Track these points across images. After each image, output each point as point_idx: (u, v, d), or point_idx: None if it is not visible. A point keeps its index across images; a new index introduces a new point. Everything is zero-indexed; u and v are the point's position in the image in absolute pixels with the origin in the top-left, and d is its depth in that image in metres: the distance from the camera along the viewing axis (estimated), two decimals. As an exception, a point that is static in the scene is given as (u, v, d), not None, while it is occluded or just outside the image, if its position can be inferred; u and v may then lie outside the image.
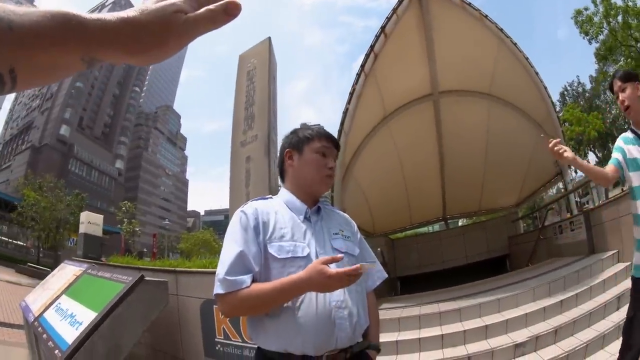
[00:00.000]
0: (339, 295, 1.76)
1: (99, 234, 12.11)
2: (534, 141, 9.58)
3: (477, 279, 8.06)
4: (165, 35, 0.57)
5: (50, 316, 5.26)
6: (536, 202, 15.80)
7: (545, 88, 9.24)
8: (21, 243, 40.72)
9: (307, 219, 1.90)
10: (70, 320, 4.61)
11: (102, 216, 12.94)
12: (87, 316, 4.42)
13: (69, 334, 4.28)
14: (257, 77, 10.42)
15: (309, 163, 1.93)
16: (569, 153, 2.44)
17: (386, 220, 12.52)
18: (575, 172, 10.87)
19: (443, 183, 12.00)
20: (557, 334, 4.49)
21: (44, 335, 4.80)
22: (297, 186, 1.97)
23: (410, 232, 14.40)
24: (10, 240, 40.39)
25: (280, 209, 1.91)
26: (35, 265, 26.51)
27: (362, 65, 8.60)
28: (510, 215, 12.62)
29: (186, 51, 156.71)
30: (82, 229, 11.68)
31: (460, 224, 18.36)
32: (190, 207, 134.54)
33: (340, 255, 1.66)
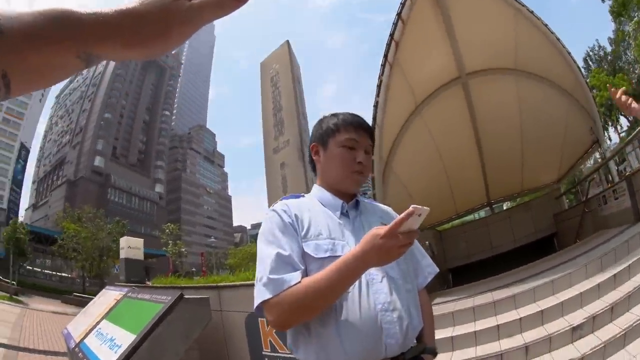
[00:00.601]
0: (385, 296, 1.53)
1: (140, 257, 12.18)
2: (566, 112, 9.31)
3: (527, 262, 7.78)
4: (167, 24, 0.54)
5: (91, 341, 5.27)
6: (576, 175, 15.14)
7: (569, 53, 8.83)
8: (65, 274, 42.12)
9: (344, 214, 1.70)
10: (110, 344, 4.60)
11: (142, 240, 13.01)
12: (126, 339, 4.38)
13: (108, 358, 4.26)
14: (281, 81, 10.38)
15: (334, 158, 1.72)
16: (635, 104, 2.14)
17: (432, 213, 11.63)
18: (610, 139, 10.42)
19: (483, 167, 11.61)
20: (613, 312, 4.23)
21: (80, 355, 4.87)
22: (327, 184, 1.77)
23: (457, 221, 13.95)
24: (54, 272, 41.80)
25: (313, 206, 1.71)
26: (80, 294, 27.11)
27: (385, 55, 8.37)
28: (553, 192, 12.22)
29: (210, 70, 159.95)
30: (123, 254, 11.80)
31: (505, 207, 17.77)
32: (236, 223, 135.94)
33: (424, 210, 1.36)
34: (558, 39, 8.64)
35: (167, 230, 59.11)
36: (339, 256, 1.44)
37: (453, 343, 4.70)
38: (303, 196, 1.80)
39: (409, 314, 1.58)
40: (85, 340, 5.42)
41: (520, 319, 4.57)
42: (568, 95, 9.29)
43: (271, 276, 1.44)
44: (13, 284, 26.38)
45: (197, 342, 4.70)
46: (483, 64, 9.51)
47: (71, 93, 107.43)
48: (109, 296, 7.27)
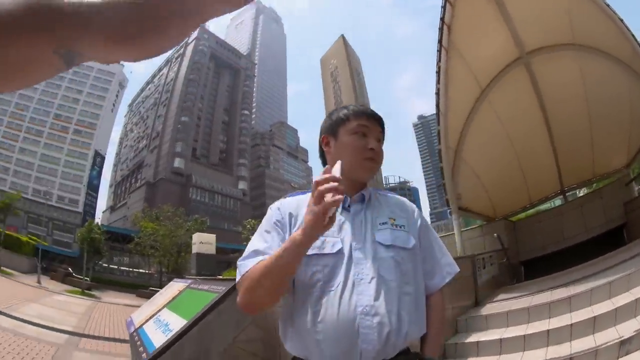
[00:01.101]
0: (369, 299, 1.46)
1: (212, 252, 12.72)
2: (629, 87, 8.52)
3: (597, 255, 7.29)
4: (164, 18, 0.46)
5: (149, 327, 5.40)
6: None
7: (622, 20, 8.00)
8: (143, 270, 44.33)
9: (345, 209, 1.64)
10: (164, 329, 4.70)
11: (214, 235, 13.63)
12: (178, 324, 4.48)
13: (159, 340, 4.36)
14: (340, 75, 10.33)
15: (345, 146, 1.67)
16: None
17: (506, 202, 11.64)
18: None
19: (555, 152, 10.89)
20: None
21: (138, 343, 4.96)
22: None
23: (531, 211, 13.19)
24: (131, 269, 44.12)
25: None
26: (155, 288, 28.47)
27: (439, 41, 8.20)
28: (623, 178, 11.20)
29: (286, 68, 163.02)
30: (195, 249, 12.43)
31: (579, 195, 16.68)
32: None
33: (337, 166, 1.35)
34: (608, 5, 7.90)
35: (247, 226, 60.62)
36: (327, 254, 1.47)
37: (501, 346, 4.47)
38: (310, 192, 1.61)
39: (398, 319, 1.49)
40: (144, 326, 5.55)
41: (571, 325, 4.21)
42: (627, 68, 8.46)
43: (239, 261, 1.52)
44: (86, 280, 27.84)
45: (246, 331, 4.77)
46: (542, 40, 8.95)
47: (144, 101, 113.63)
48: (174, 287, 7.46)
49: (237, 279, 1.50)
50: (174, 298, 6.44)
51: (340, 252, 1.51)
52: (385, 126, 1.77)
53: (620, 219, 10.10)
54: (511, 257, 9.57)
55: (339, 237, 1.54)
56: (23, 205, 56.16)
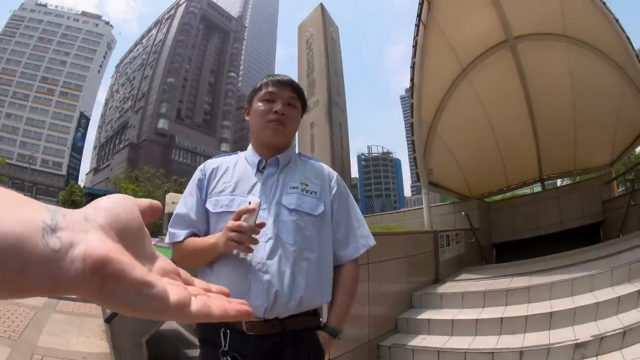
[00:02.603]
0: (261, 256, 1.58)
1: (183, 212, 12.59)
2: (620, 88, 8.41)
3: (572, 249, 7.22)
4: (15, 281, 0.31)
5: None
6: (630, 159, 13.81)
7: (617, 21, 7.73)
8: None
9: (260, 171, 1.78)
10: None
11: None
12: None
13: None
14: (315, 43, 10.22)
15: (254, 113, 1.81)
16: None
17: (482, 183, 11.55)
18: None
19: (537, 140, 10.77)
20: (624, 337, 3.56)
21: None
22: (253, 140, 1.87)
23: (507, 194, 13.14)
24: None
25: (239, 162, 1.83)
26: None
27: (418, 15, 7.94)
28: (605, 177, 11.16)
29: (276, 32, 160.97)
30: (167, 209, 12.23)
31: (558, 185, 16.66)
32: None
33: (252, 206, 1.46)
34: (603, 3, 7.67)
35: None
36: (233, 212, 1.53)
37: (477, 327, 4.39)
38: (237, 154, 1.91)
39: (291, 281, 1.57)
40: None
41: (527, 316, 4.14)
42: (620, 70, 8.31)
43: (170, 229, 1.75)
44: None
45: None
46: (531, 27, 8.73)
47: (131, 62, 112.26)
48: None
49: (168, 241, 1.75)
50: None
51: None
52: (309, 98, 1.86)
53: (598, 217, 10.18)
54: (483, 238, 9.59)
55: (247, 197, 1.63)
56: (8, 171, 55.78)
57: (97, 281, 0.34)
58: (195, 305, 0.41)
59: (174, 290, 0.40)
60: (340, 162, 8.14)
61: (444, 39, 8.41)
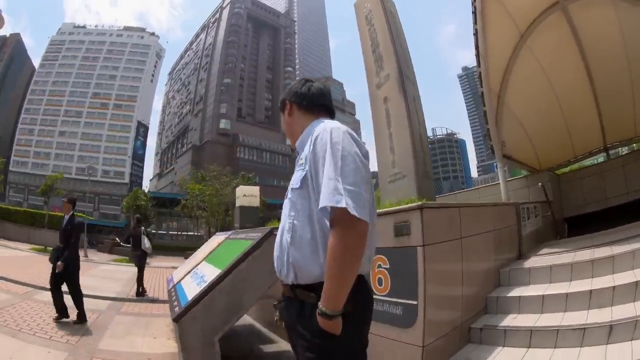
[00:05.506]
0: (279, 234, 1.82)
1: (255, 204, 12.85)
2: None
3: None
4: None
5: (185, 282, 5.44)
6: None
7: None
8: (191, 233, 44.81)
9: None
10: (199, 281, 4.72)
11: (257, 188, 13.94)
12: (213, 275, 4.47)
13: (193, 292, 4.32)
14: (375, 18, 10.04)
15: None
16: None
17: (550, 154, 11.21)
18: None
19: (597, 103, 10.15)
20: None
21: (174, 298, 4.96)
22: None
23: (575, 166, 12.43)
24: (180, 232, 44.83)
25: None
26: (203, 248, 28.91)
27: (472, -21, 7.80)
28: None
29: (326, 22, 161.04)
30: (238, 202, 12.58)
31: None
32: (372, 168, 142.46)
33: None
34: None
35: (293, 180, 60.83)
36: None
37: (543, 304, 4.29)
38: None
39: (281, 249, 1.76)
40: (182, 281, 5.61)
41: (614, 287, 3.96)
42: None
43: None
44: (129, 247, 28.36)
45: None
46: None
47: (184, 67, 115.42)
48: (214, 241, 7.54)
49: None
50: (212, 251, 6.56)
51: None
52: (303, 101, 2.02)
53: None
54: (555, 211, 9.24)
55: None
56: (67, 185, 58.08)
57: None
58: None
59: None
60: (419, 138, 8.01)
61: (501, 6, 8.19)
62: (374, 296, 3.32)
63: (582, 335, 3.56)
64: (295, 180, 1.73)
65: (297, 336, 1.67)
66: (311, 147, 1.69)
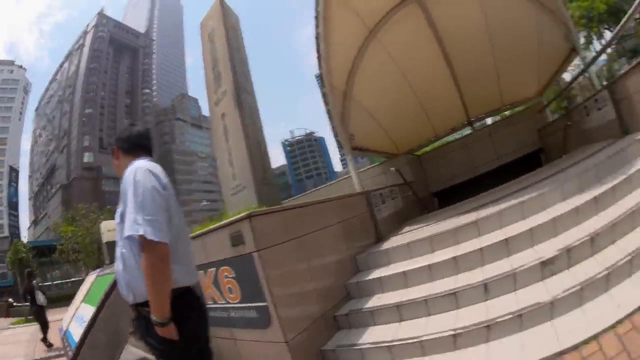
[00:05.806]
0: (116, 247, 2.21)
1: (121, 237, 12.22)
2: (536, 18, 8.55)
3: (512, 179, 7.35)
4: None
5: (72, 327, 5.70)
6: (559, 86, 14.46)
7: None
8: (75, 279, 42.11)
9: None
10: (80, 322, 5.11)
11: None
12: (89, 314, 4.80)
13: (78, 334, 4.69)
14: (217, 35, 10.12)
15: None
16: None
17: (409, 138, 11.76)
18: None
19: (457, 85, 10.85)
20: (593, 243, 3.52)
21: (66, 344, 5.37)
22: None
23: (437, 143, 13.48)
24: (64, 280, 41.91)
25: None
26: (89, 292, 27.23)
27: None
28: (536, 106, 11.63)
29: (183, 38, 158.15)
30: (104, 238, 12.07)
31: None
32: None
33: None
34: None
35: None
36: None
37: (407, 279, 4.36)
38: None
39: (118, 271, 2.13)
40: (69, 328, 5.86)
41: (481, 249, 4.03)
42: (537, 4, 8.35)
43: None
44: (27, 306, 26.46)
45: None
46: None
47: (49, 101, 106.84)
48: (88, 281, 7.66)
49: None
50: (87, 291, 6.78)
51: None
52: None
53: (535, 145, 10.57)
54: (420, 190, 9.75)
55: None
56: None
57: None
58: None
59: None
60: (257, 145, 8.22)
61: (346, 7, 8.32)
62: (230, 305, 4.02)
63: (455, 299, 3.67)
64: (117, 215, 2.10)
65: (150, 347, 2.03)
66: (121, 185, 2.09)
